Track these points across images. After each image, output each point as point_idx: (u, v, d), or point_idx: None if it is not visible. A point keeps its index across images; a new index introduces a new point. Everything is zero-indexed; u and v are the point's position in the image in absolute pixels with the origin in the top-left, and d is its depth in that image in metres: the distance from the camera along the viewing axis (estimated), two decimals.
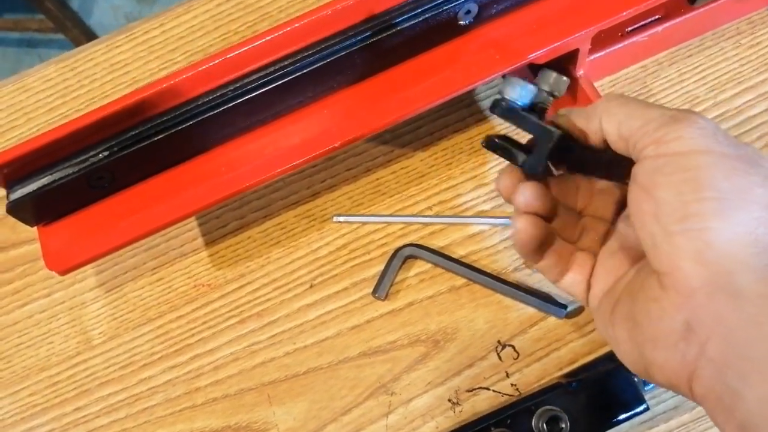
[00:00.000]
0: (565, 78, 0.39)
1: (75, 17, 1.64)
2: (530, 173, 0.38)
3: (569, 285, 0.39)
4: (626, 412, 0.44)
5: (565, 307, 0.49)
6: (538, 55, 0.47)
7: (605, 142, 0.34)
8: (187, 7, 0.64)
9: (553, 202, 0.39)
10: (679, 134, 0.29)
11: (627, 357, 0.33)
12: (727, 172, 0.28)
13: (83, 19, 1.71)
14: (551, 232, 0.38)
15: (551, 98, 0.39)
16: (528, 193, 0.37)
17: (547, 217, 0.38)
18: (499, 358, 0.49)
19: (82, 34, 1.66)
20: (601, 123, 0.34)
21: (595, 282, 0.37)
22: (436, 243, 0.53)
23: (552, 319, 0.50)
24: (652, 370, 0.31)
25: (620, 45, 0.53)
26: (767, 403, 0.26)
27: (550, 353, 0.49)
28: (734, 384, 0.27)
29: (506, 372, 0.49)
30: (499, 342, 0.50)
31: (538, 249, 0.38)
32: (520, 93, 0.37)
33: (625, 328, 0.33)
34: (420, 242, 0.53)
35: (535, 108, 0.38)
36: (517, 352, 0.49)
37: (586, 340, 0.49)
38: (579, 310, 0.50)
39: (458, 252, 0.52)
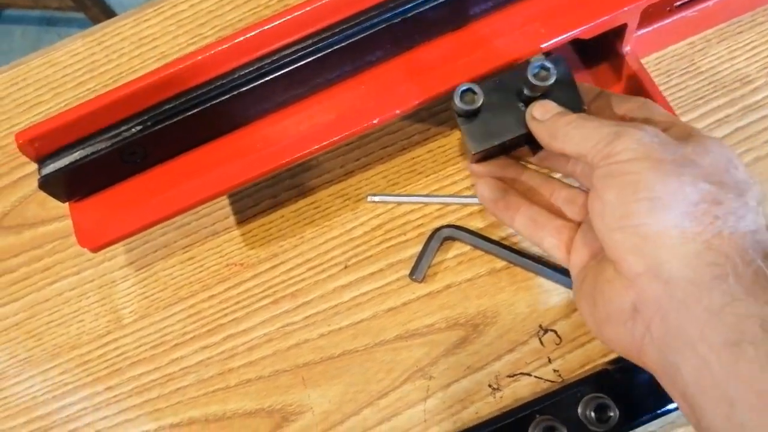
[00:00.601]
0: (545, 82, 0.39)
1: None
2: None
3: (549, 249, 0.43)
4: None
5: None
6: (585, 30, 0.46)
7: (564, 154, 0.39)
8: None
9: (514, 168, 0.46)
10: (623, 146, 0.34)
11: (590, 329, 0.38)
12: (660, 175, 0.32)
13: None
14: (512, 194, 0.44)
15: (536, 93, 0.41)
16: (473, 166, 0.46)
17: (509, 180, 0.45)
18: (541, 343, 0.48)
19: (101, 12, 1.64)
20: (563, 145, 0.38)
21: (574, 251, 0.41)
22: (475, 224, 0.51)
23: None
24: (609, 345, 0.36)
25: (668, 20, 0.51)
26: (699, 376, 0.30)
27: (594, 339, 0.48)
28: (672, 359, 0.31)
29: (548, 357, 0.48)
30: (540, 326, 0.48)
31: (505, 209, 0.44)
32: (458, 103, 0.41)
33: (587, 304, 0.37)
34: (458, 223, 0.51)
35: (522, 96, 0.41)
36: (560, 337, 0.48)
37: None
38: None
39: (498, 233, 0.51)
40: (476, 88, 0.40)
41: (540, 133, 0.40)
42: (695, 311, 0.30)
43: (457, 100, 0.40)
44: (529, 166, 0.47)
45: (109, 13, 1.67)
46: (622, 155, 0.34)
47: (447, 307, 0.50)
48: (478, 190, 0.45)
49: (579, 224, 0.42)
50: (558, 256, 0.42)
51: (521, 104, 0.41)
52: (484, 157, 0.44)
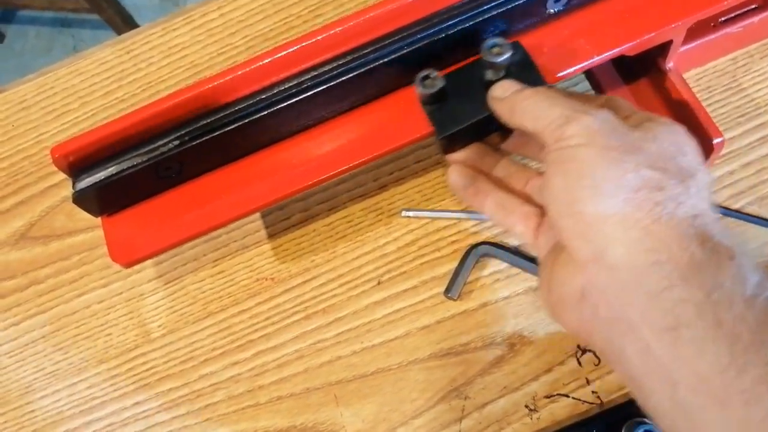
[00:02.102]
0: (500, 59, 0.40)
1: None
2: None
3: (519, 235, 0.42)
4: None
5: None
6: (631, 46, 0.45)
7: (526, 131, 0.38)
8: None
9: (491, 157, 0.45)
10: (572, 132, 0.34)
11: (547, 312, 0.38)
12: (603, 162, 0.33)
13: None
14: (482, 180, 0.43)
15: (498, 73, 0.41)
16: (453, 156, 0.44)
17: (480, 168, 0.44)
18: (579, 363, 0.47)
19: (116, 14, 1.64)
20: (521, 120, 0.38)
21: (541, 236, 0.41)
22: (512, 241, 0.50)
23: None
24: (563, 327, 0.37)
25: (712, 36, 0.50)
26: (643, 359, 0.31)
27: None
28: (618, 342, 0.32)
29: (587, 378, 0.47)
30: (578, 347, 0.48)
31: (474, 195, 0.43)
32: (419, 88, 0.41)
33: (544, 287, 0.37)
34: (493, 240, 0.50)
35: (484, 81, 0.41)
36: (598, 358, 0.47)
37: None
38: None
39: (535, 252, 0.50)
40: (434, 74, 0.41)
41: (501, 110, 0.40)
42: (636, 296, 0.31)
43: (418, 86, 0.41)
44: (506, 156, 0.46)
45: (124, 15, 1.67)
46: (571, 140, 0.34)
47: (483, 325, 0.49)
48: (449, 177, 0.44)
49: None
50: (528, 242, 0.42)
51: (484, 89, 0.42)
52: (455, 143, 0.44)
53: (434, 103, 0.42)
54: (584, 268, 0.34)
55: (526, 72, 0.42)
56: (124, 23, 1.66)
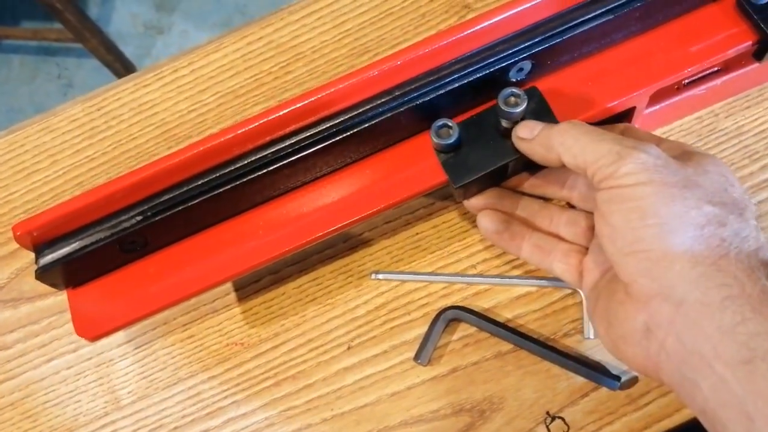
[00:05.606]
0: (516, 109, 0.40)
1: (94, 27, 1.62)
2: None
3: (560, 274, 0.43)
4: None
5: (618, 378, 0.46)
6: (593, 115, 0.45)
7: (563, 165, 0.38)
8: (216, 45, 0.62)
9: (510, 199, 0.46)
10: (625, 170, 0.34)
11: (607, 347, 0.38)
12: (665, 199, 0.33)
13: (102, 28, 1.69)
14: (515, 224, 0.44)
15: (511, 121, 0.41)
16: (467, 202, 0.46)
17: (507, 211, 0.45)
18: (548, 430, 0.47)
19: (100, 44, 1.64)
20: (560, 156, 0.38)
21: (586, 272, 0.42)
22: (481, 304, 0.50)
23: (604, 390, 0.47)
24: (626, 363, 0.37)
25: (676, 98, 0.50)
26: (718, 392, 0.31)
27: (603, 427, 0.47)
28: (690, 375, 0.32)
29: None
30: (548, 413, 0.47)
31: (510, 239, 0.44)
32: (435, 138, 0.42)
33: (602, 324, 0.38)
34: (463, 303, 0.50)
35: (499, 128, 0.42)
36: (567, 425, 0.47)
37: (641, 413, 0.46)
38: (633, 382, 0.47)
39: (504, 314, 0.50)
40: (451, 123, 0.41)
41: (532, 150, 0.40)
42: (708, 331, 0.31)
43: (434, 136, 0.41)
44: (524, 196, 0.47)
45: (107, 45, 1.66)
46: (626, 179, 0.34)
47: (453, 391, 0.49)
48: (481, 224, 0.45)
49: (583, 246, 0.43)
50: (569, 279, 0.43)
51: (499, 136, 0.42)
52: (473, 191, 0.45)
53: (449, 151, 0.42)
54: (647, 305, 0.34)
55: (542, 118, 0.41)
56: (108, 52, 1.66)
